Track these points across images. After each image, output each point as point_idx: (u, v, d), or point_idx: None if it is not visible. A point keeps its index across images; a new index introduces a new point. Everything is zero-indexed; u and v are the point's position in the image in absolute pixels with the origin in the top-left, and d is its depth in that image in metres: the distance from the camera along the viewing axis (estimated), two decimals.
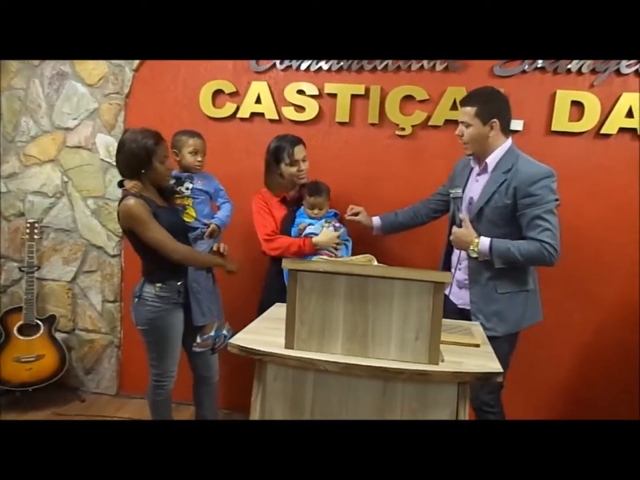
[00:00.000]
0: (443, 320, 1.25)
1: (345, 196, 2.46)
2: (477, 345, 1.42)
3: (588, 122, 2.39)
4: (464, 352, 1.35)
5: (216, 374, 2.32)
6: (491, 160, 1.97)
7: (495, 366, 1.25)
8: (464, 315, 1.98)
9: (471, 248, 1.89)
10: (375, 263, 1.41)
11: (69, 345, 2.97)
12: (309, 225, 2.21)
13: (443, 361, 1.24)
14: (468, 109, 1.93)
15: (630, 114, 2.35)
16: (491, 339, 1.66)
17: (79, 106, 2.84)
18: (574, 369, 2.55)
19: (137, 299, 2.06)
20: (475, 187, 2.02)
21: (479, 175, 2.02)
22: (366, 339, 1.25)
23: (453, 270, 2.09)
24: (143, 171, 1.98)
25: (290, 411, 1.30)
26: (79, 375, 3.03)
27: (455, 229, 1.99)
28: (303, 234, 2.19)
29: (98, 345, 3.00)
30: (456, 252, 2.06)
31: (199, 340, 2.14)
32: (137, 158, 1.96)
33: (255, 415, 1.32)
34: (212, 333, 2.17)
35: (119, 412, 2.80)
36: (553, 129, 2.41)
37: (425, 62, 2.49)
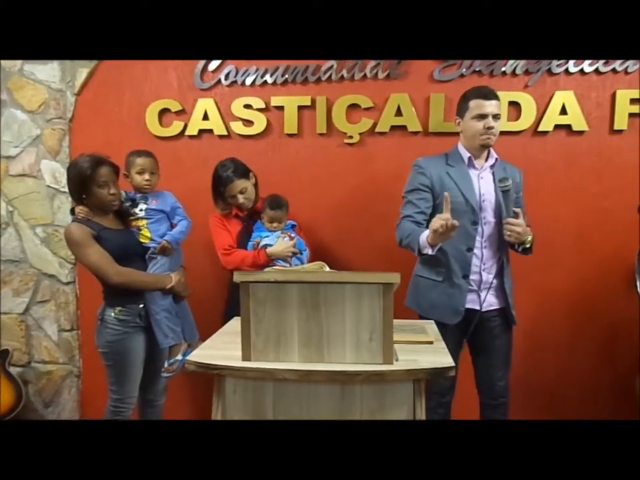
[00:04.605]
0: (396, 320, 1.28)
1: (298, 206, 2.48)
2: (431, 342, 1.45)
3: (525, 121, 2.49)
4: (418, 350, 1.38)
5: (162, 396, 2.28)
6: (493, 155, 2.02)
7: (447, 361, 1.28)
8: (496, 315, 2.00)
9: (528, 240, 1.88)
10: (327, 269, 1.43)
11: (25, 378, 2.87)
12: (264, 238, 2.22)
13: (397, 360, 1.27)
14: (495, 102, 1.93)
15: (564, 111, 2.47)
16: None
17: (19, 133, 2.77)
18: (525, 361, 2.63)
19: (99, 322, 2.05)
20: (486, 185, 1.97)
21: (479, 171, 1.99)
22: (321, 344, 1.27)
23: (477, 273, 1.95)
24: (84, 196, 1.98)
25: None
26: (37, 409, 2.93)
27: (516, 223, 1.81)
28: (260, 245, 2.20)
29: (56, 376, 2.91)
30: (477, 253, 1.94)
31: (166, 364, 2.11)
32: (74, 183, 1.98)
33: None
34: (179, 357, 2.11)
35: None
36: None
37: (367, 70, 2.55)
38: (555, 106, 2.47)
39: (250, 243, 2.25)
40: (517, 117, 2.50)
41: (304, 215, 2.51)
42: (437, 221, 1.63)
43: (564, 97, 2.46)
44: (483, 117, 1.92)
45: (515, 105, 2.50)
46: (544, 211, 2.48)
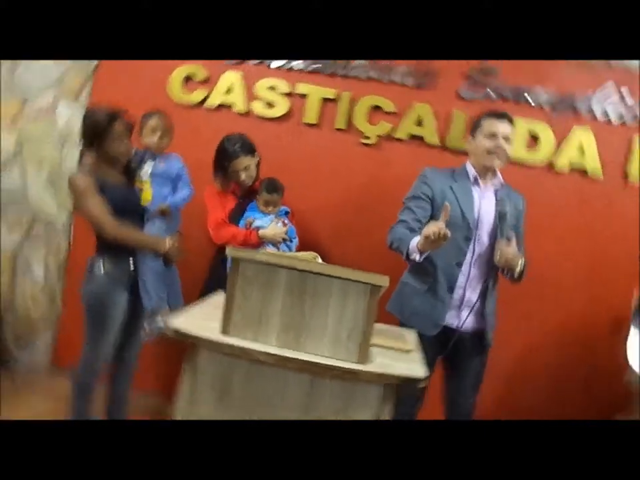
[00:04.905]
0: (379, 325, 1.28)
1: (302, 195, 2.49)
2: (409, 351, 1.46)
3: (542, 154, 2.50)
4: (395, 356, 1.38)
5: (135, 356, 2.28)
6: (500, 178, 2.02)
7: (421, 371, 1.28)
8: (474, 336, 2.00)
9: (518, 268, 1.88)
10: (319, 260, 1.43)
11: (3, 317, 2.88)
12: (258, 219, 2.22)
13: (372, 362, 1.27)
14: (507, 124, 1.94)
15: (581, 150, 2.48)
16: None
17: (41, 74, 2.76)
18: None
19: (87, 272, 2.05)
20: (486, 205, 1.97)
21: (483, 191, 1.99)
22: (300, 333, 1.27)
23: (462, 289, 1.95)
24: (95, 147, 1.98)
25: (217, 399, 1.30)
26: (11, 350, 2.93)
27: (507, 248, 1.83)
28: (252, 226, 2.20)
29: (35, 319, 2.91)
30: (465, 269, 1.94)
31: (146, 327, 2.10)
32: (88, 132, 1.98)
33: (182, 401, 1.31)
34: (159, 322, 2.10)
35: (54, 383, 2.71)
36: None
37: (396, 75, 2.55)
38: (572, 144, 2.48)
39: (242, 222, 2.25)
40: (535, 149, 2.51)
41: (306, 204, 2.52)
42: (431, 227, 1.63)
43: (583, 135, 2.47)
44: (493, 136, 1.92)
45: (534, 137, 2.51)
46: (554, 246, 2.50)
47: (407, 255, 1.81)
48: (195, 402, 1.31)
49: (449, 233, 1.61)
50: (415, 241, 1.76)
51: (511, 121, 1.96)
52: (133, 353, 2.26)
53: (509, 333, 2.40)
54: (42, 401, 2.53)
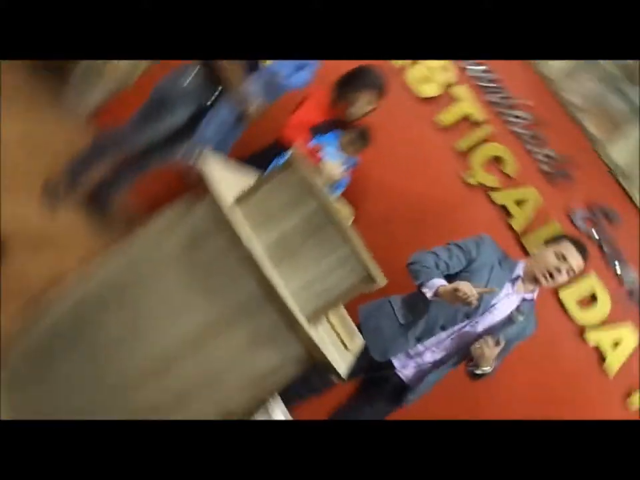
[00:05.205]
0: (344, 310, 1.27)
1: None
2: (347, 349, 1.46)
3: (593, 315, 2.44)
4: (334, 342, 1.40)
5: (154, 163, 2.30)
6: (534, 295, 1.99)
7: (342, 371, 1.28)
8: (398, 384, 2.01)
9: (480, 371, 1.88)
10: (350, 221, 1.42)
11: None
12: (330, 150, 2.21)
13: (315, 328, 1.28)
14: (581, 259, 1.89)
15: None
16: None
17: None
18: None
19: (174, 73, 2.09)
20: (505, 305, 1.93)
21: (513, 292, 1.96)
22: (288, 256, 1.25)
23: (424, 348, 1.95)
24: None
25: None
26: None
27: (491, 346, 1.79)
28: (321, 150, 2.20)
29: None
30: (441, 335, 1.93)
31: (183, 150, 2.14)
32: None
33: None
34: (195, 156, 2.14)
35: None
36: None
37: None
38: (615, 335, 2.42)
39: (316, 140, 2.24)
40: (585, 307, 2.45)
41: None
42: (467, 287, 1.68)
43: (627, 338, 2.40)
44: (563, 259, 1.88)
45: (593, 297, 2.44)
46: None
47: (421, 284, 1.82)
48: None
49: (474, 304, 1.67)
50: (441, 282, 1.78)
51: (585, 259, 1.91)
52: (154, 161, 2.30)
53: None
54: None
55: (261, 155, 2.29)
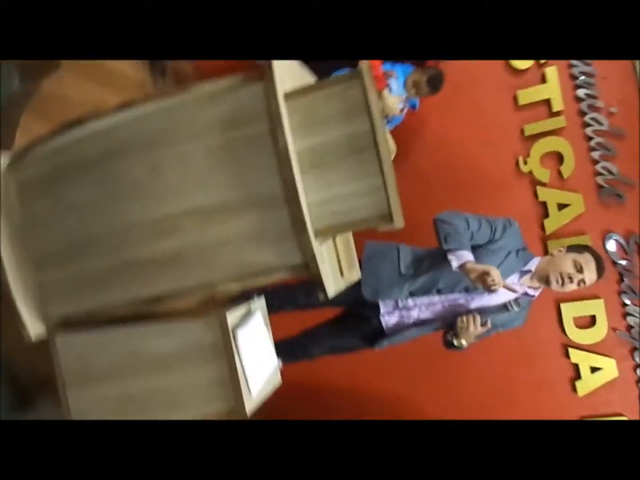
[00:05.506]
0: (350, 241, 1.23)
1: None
2: (343, 276, 1.48)
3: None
4: (333, 265, 1.41)
5: None
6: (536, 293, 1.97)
7: (331, 290, 1.29)
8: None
9: (461, 342, 1.88)
10: (392, 157, 1.39)
11: None
12: (396, 83, 2.14)
13: (319, 244, 1.28)
14: (594, 276, 1.86)
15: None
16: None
17: None
18: None
19: None
20: (506, 293, 1.88)
21: (517, 283, 1.93)
22: (321, 168, 1.25)
23: (414, 304, 1.98)
24: None
25: None
26: None
27: (477, 324, 1.82)
28: (386, 80, 2.13)
29: None
30: (434, 299, 1.96)
31: None
32: None
33: None
34: None
35: None
36: None
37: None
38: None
39: (389, 66, 2.18)
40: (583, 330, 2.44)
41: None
42: (496, 274, 1.70)
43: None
44: (579, 270, 1.83)
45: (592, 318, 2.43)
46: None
47: (449, 250, 1.80)
48: None
49: (497, 290, 1.72)
50: (470, 257, 1.78)
51: (599, 278, 1.88)
52: None
53: None
54: None
55: (327, 64, 2.22)
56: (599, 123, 2.39)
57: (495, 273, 1.70)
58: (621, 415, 2.38)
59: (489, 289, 1.71)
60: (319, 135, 1.24)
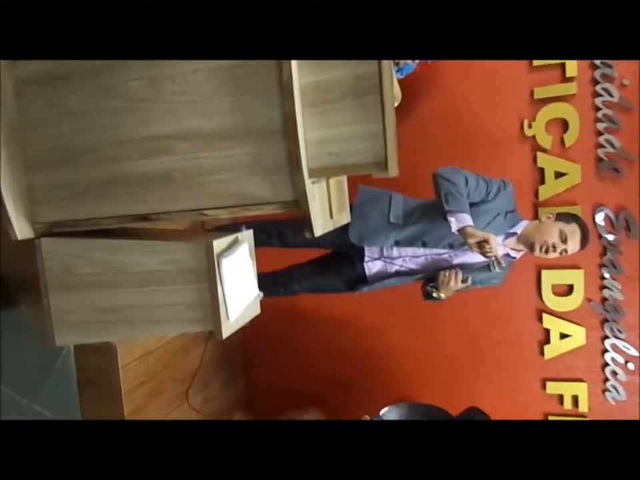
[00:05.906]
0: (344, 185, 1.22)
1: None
2: (332, 218, 1.49)
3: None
4: (324, 206, 1.42)
5: None
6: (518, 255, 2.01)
7: (318, 231, 1.31)
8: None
9: (436, 295, 1.94)
10: (396, 103, 1.37)
11: None
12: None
13: (312, 183, 1.29)
14: (578, 245, 1.90)
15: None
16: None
17: None
18: None
19: None
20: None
21: (501, 244, 1.96)
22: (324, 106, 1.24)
23: (398, 254, 2.01)
24: None
25: None
26: None
27: (458, 280, 1.88)
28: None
29: None
30: (419, 251, 1.98)
31: None
32: None
33: None
34: None
35: None
36: None
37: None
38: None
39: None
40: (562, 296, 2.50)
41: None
42: (494, 242, 1.76)
43: None
44: (563, 240, 1.87)
45: (570, 287, 2.48)
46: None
47: (449, 212, 1.80)
48: None
49: (494, 258, 1.79)
50: (470, 221, 1.79)
51: (584, 246, 1.93)
52: None
53: None
54: None
55: None
56: (610, 95, 2.34)
57: (493, 242, 1.75)
58: (582, 380, 2.49)
59: (485, 256, 1.78)
60: (325, 72, 1.22)
